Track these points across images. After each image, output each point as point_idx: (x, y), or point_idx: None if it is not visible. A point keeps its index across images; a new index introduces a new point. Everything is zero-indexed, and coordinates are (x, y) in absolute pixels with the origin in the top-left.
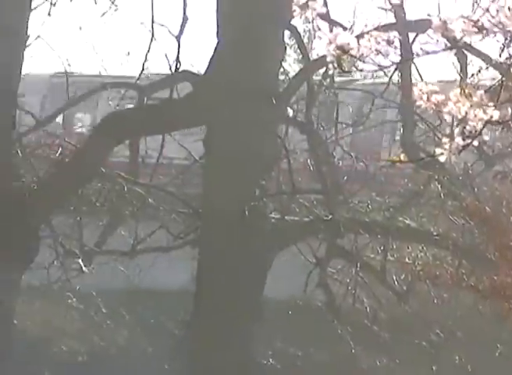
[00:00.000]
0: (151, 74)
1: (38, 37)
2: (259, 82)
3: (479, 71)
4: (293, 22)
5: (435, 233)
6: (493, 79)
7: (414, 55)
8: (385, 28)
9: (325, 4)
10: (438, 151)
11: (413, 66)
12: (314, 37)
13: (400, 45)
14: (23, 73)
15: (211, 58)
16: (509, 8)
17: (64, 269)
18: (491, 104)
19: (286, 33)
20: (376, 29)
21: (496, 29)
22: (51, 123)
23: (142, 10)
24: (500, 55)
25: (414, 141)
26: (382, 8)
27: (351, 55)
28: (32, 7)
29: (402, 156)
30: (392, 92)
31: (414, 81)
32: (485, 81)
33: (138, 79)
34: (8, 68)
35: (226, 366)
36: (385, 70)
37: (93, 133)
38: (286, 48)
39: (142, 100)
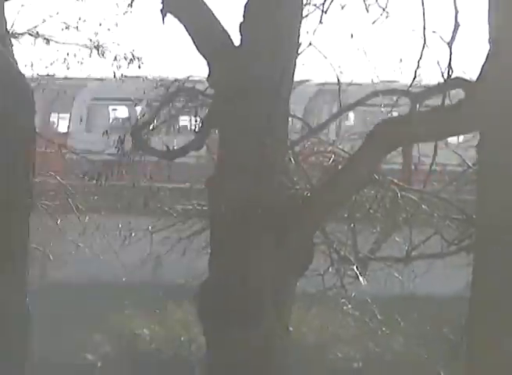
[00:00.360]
0: (423, 81)
1: (310, 44)
2: None
3: None
4: None
5: None
6: None
7: None
8: None
9: None
10: None
11: None
12: None
13: None
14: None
15: (483, 65)
16: None
17: (339, 276)
18: None
19: None
20: None
21: None
22: (323, 130)
23: (413, 17)
24: None
25: None
26: None
27: None
28: (303, 14)
29: None
30: None
31: None
32: None
33: (410, 86)
34: (281, 75)
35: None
36: None
37: (366, 141)
38: None
39: (415, 107)
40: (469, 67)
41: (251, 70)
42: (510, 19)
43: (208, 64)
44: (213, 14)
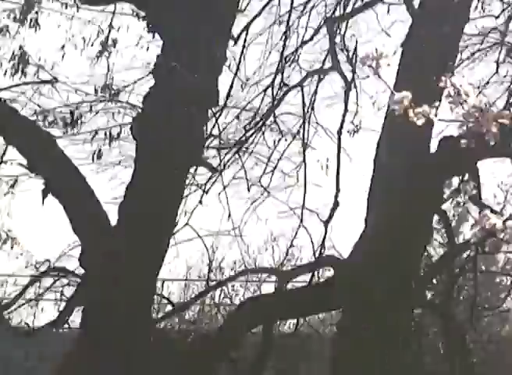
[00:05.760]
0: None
1: (186, 224)
2: (404, 267)
3: None
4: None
5: None
6: None
7: None
8: None
9: (478, 187)
10: None
11: None
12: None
13: None
14: None
15: (355, 244)
16: None
17: None
18: None
19: (435, 217)
20: None
21: None
22: None
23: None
24: None
25: None
26: None
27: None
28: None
29: None
30: None
31: None
32: None
33: (281, 265)
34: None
35: None
36: None
37: (228, 317)
38: (433, 232)
39: (281, 285)
40: (344, 245)
41: (127, 256)
42: (385, 203)
43: (82, 245)
44: (95, 196)
